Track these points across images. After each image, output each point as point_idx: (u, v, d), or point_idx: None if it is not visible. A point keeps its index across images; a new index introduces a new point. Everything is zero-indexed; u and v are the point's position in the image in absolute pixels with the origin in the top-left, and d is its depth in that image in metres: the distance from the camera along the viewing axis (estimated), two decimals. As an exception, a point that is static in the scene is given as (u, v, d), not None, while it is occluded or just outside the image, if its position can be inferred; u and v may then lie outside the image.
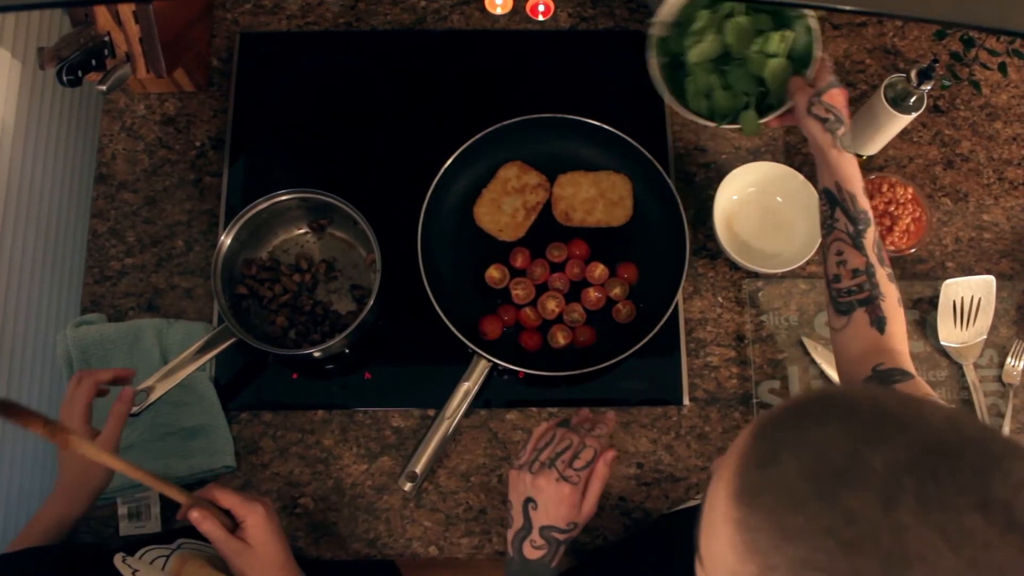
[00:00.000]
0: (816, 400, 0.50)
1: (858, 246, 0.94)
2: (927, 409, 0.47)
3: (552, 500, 0.89)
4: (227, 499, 0.91)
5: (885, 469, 0.43)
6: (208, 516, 0.88)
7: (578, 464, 0.90)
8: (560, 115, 1.21)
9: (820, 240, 1.17)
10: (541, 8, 1.34)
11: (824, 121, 0.96)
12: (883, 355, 0.89)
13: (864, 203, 0.95)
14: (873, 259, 0.93)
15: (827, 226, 0.98)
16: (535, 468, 0.91)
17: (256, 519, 0.90)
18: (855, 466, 0.44)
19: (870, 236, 0.94)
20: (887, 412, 0.47)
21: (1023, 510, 0.42)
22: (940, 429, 0.45)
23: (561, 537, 0.90)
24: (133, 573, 0.86)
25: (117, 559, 0.87)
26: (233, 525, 0.91)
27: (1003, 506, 0.42)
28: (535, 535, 0.90)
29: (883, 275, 0.93)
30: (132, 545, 0.92)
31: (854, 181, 0.95)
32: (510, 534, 0.92)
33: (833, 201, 0.96)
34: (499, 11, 1.34)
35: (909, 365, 0.89)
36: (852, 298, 0.94)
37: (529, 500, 0.90)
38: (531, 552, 0.90)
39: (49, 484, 0.99)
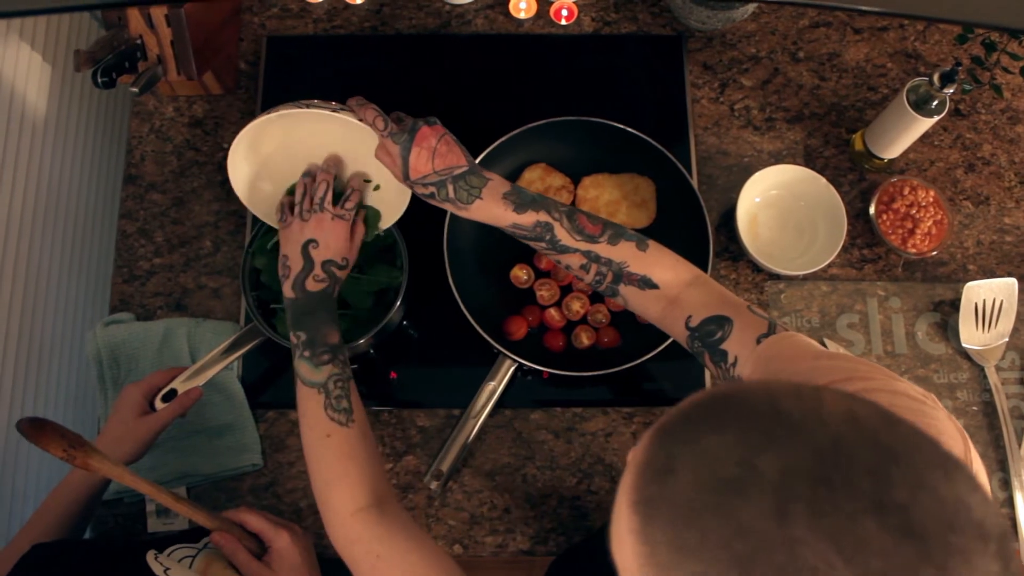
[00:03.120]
0: (712, 403, 0.48)
1: (561, 249, 0.91)
2: (825, 407, 0.45)
3: (331, 236, 0.96)
4: (255, 523, 0.92)
5: (778, 477, 0.42)
6: (231, 540, 0.91)
7: (348, 205, 0.98)
8: (584, 118, 1.22)
9: (842, 242, 1.19)
10: (565, 12, 1.36)
11: (430, 195, 0.92)
12: (679, 305, 0.87)
13: (523, 218, 0.90)
14: (583, 247, 0.90)
15: (536, 251, 0.97)
16: (306, 215, 0.96)
17: (281, 543, 0.91)
18: (748, 475, 0.42)
19: (561, 232, 0.90)
20: (782, 414, 0.45)
21: (920, 514, 0.40)
22: (836, 429, 0.43)
23: (338, 272, 0.96)
24: (165, 571, 0.87)
25: (150, 556, 0.88)
26: (260, 549, 0.93)
27: (899, 510, 0.40)
28: (317, 270, 0.95)
29: (605, 247, 0.89)
30: (160, 542, 0.93)
31: (502, 216, 0.91)
32: (288, 281, 0.95)
33: (515, 236, 0.93)
34: (523, 15, 1.36)
35: (707, 294, 0.86)
36: (606, 283, 0.91)
37: (309, 242, 0.95)
38: (314, 286, 0.95)
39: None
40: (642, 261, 0.89)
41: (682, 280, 0.89)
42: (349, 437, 0.89)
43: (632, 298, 0.91)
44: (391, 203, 1.07)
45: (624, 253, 0.90)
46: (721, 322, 0.83)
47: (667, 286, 0.89)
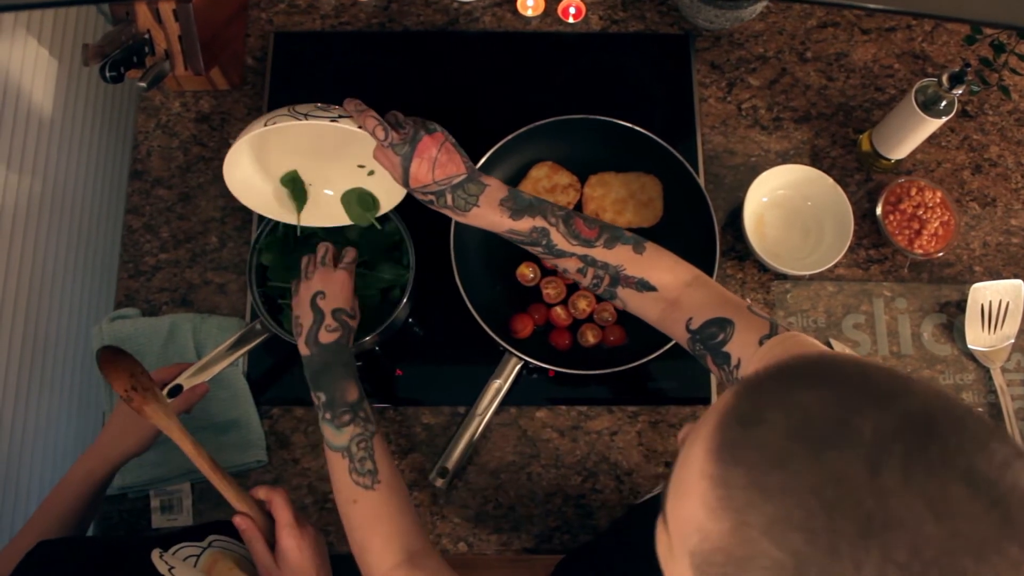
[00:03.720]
0: (803, 364, 0.49)
1: (558, 253, 0.92)
2: (915, 384, 0.46)
3: (336, 286, 0.98)
4: (278, 508, 0.91)
5: (874, 434, 0.43)
6: (251, 528, 0.90)
7: (347, 259, 1.01)
8: (591, 116, 1.22)
9: (848, 242, 1.19)
10: (572, 10, 1.35)
11: (430, 202, 0.95)
12: (679, 307, 0.87)
13: (519, 224, 0.92)
14: (580, 251, 0.91)
15: (534, 254, 0.96)
16: (310, 274, 0.99)
17: (287, 543, 0.89)
18: (843, 429, 0.43)
19: (557, 237, 0.91)
20: (874, 381, 0.46)
21: (1007, 489, 0.41)
22: (929, 403, 0.45)
23: (350, 322, 0.98)
24: (170, 570, 0.87)
25: (154, 555, 0.88)
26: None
27: (988, 482, 0.41)
28: (328, 319, 0.96)
29: (601, 251, 0.91)
30: (164, 539, 0.93)
31: (498, 222, 0.93)
32: (302, 338, 0.96)
33: (512, 242, 0.95)
34: (531, 13, 1.35)
35: (707, 295, 0.86)
36: (603, 287, 0.92)
37: (316, 294, 0.97)
38: (327, 337, 0.95)
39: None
40: (639, 264, 0.90)
41: (681, 281, 0.89)
42: (375, 500, 0.90)
43: (630, 301, 0.92)
44: (389, 188, 1.07)
45: (620, 256, 0.90)
46: (722, 324, 0.83)
47: (665, 288, 0.89)
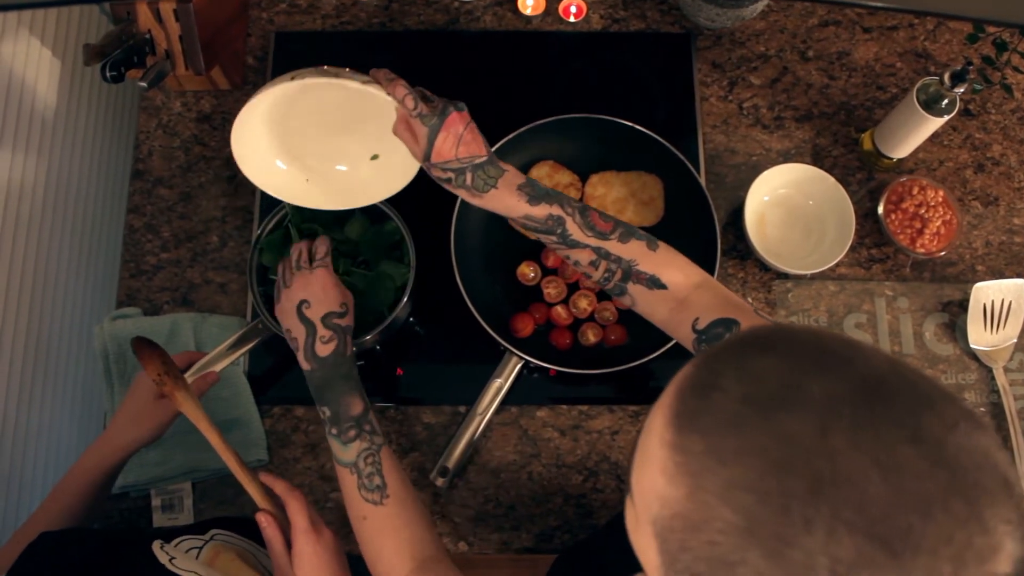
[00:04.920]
0: (757, 334, 0.50)
1: (572, 244, 0.90)
2: (867, 349, 0.48)
3: (318, 287, 0.95)
4: (295, 512, 0.89)
5: (823, 397, 0.44)
6: (272, 525, 0.89)
7: (320, 254, 0.98)
8: (592, 115, 1.22)
9: (850, 242, 1.19)
10: (573, 9, 1.35)
11: (448, 180, 0.91)
12: (688, 306, 0.87)
13: (536, 210, 0.90)
14: (594, 242, 0.89)
15: (545, 245, 0.94)
16: (288, 280, 0.97)
17: (301, 546, 0.87)
18: (794, 392, 0.44)
19: (572, 227, 0.89)
20: (828, 348, 0.47)
21: (954, 449, 0.42)
22: (879, 367, 0.46)
23: (341, 322, 0.95)
24: (170, 560, 0.87)
25: (155, 545, 0.88)
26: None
27: (935, 442, 0.42)
28: (321, 330, 0.93)
29: (615, 244, 0.89)
30: (167, 532, 0.93)
31: (515, 206, 0.90)
32: (300, 353, 0.94)
33: (527, 227, 0.93)
34: (531, 12, 1.35)
35: (715, 296, 0.86)
36: (614, 281, 0.91)
37: (301, 303, 0.95)
38: (323, 349, 0.93)
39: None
40: (652, 260, 0.89)
41: (691, 282, 0.89)
42: (385, 515, 0.89)
43: (640, 297, 0.91)
44: (392, 175, 1.02)
45: (634, 251, 0.90)
46: (728, 324, 0.83)
47: (675, 287, 0.89)
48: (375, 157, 1.04)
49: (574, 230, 0.90)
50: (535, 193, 0.90)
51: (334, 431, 0.92)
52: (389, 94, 0.89)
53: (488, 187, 0.90)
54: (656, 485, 0.48)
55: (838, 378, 0.45)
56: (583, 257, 0.91)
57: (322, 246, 0.99)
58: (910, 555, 0.40)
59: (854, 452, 0.42)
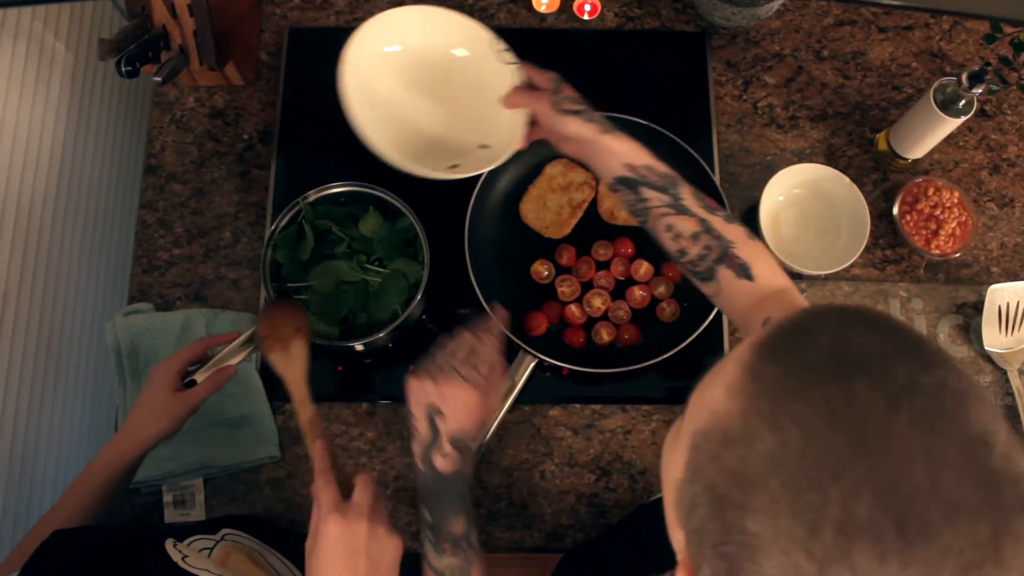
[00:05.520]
0: (869, 312, 0.51)
1: (682, 210, 0.88)
2: (959, 366, 0.48)
3: (459, 407, 0.83)
4: (358, 490, 0.81)
5: (906, 380, 0.44)
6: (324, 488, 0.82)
7: (483, 368, 0.84)
8: (606, 113, 1.20)
9: (865, 242, 1.18)
10: (588, 7, 1.35)
11: (579, 113, 0.91)
12: (765, 304, 0.86)
13: (661, 167, 0.89)
14: (703, 213, 0.88)
15: (640, 211, 0.91)
16: (435, 374, 0.84)
17: (322, 526, 0.79)
18: (879, 366, 0.45)
19: (687, 193, 0.89)
20: (927, 348, 0.48)
21: (1006, 480, 0.43)
22: (965, 381, 0.46)
23: (472, 444, 0.85)
24: (183, 558, 0.87)
25: (168, 544, 0.88)
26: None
27: (992, 466, 0.43)
28: (445, 446, 0.83)
29: (720, 222, 0.88)
30: (178, 531, 0.93)
31: (640, 153, 0.90)
32: (417, 447, 0.84)
33: (633, 183, 0.90)
34: (545, 9, 1.35)
35: (796, 303, 0.85)
36: (707, 262, 0.88)
37: (434, 409, 0.83)
38: (442, 463, 0.83)
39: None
40: (748, 248, 0.88)
41: (775, 283, 0.87)
42: None
43: (726, 284, 0.88)
44: (500, 147, 0.98)
45: (735, 234, 0.88)
46: None
47: (761, 282, 0.87)
48: (484, 147, 1.00)
49: (687, 195, 0.88)
50: (654, 153, 0.91)
51: (431, 537, 0.84)
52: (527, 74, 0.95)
53: (613, 128, 0.90)
54: (714, 398, 0.49)
55: (926, 372, 0.45)
56: (687, 227, 0.88)
57: (487, 355, 0.86)
58: (920, 545, 0.40)
59: (911, 435, 0.42)
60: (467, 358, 0.85)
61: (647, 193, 0.89)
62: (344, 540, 0.78)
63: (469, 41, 0.98)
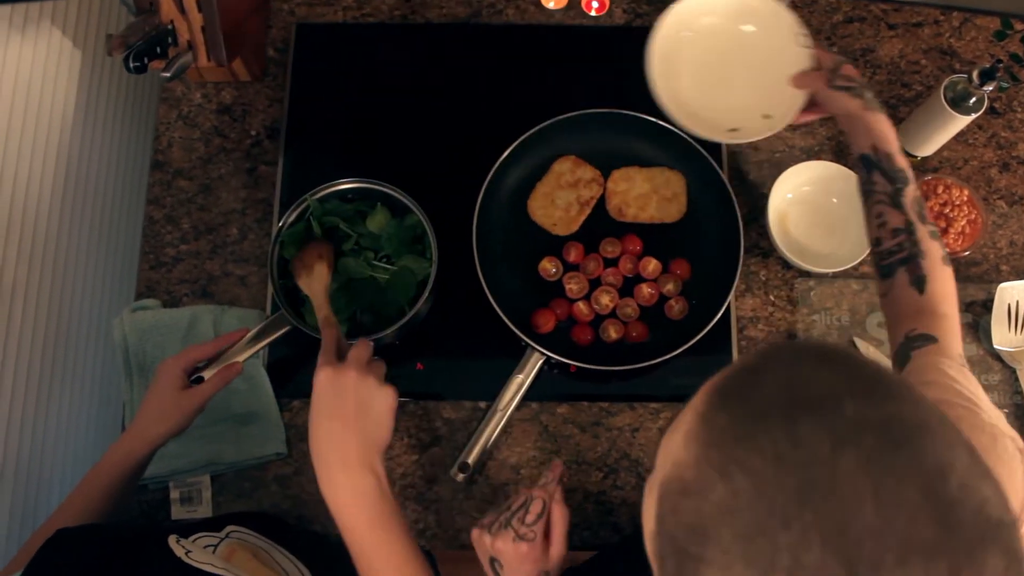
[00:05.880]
0: (824, 345, 0.52)
1: (897, 204, 0.92)
2: (917, 395, 0.48)
3: (514, 560, 0.86)
4: (323, 352, 0.90)
5: (854, 417, 0.44)
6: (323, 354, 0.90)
7: (529, 519, 0.87)
8: (615, 110, 1.21)
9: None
10: (596, 4, 1.34)
11: (849, 89, 0.97)
12: (920, 318, 0.88)
13: (901, 161, 0.94)
14: (913, 216, 0.92)
15: (865, 192, 0.96)
16: (493, 529, 0.88)
17: (317, 379, 0.87)
18: (827, 405, 0.45)
19: (910, 194, 0.93)
20: (883, 380, 0.48)
21: (964, 517, 0.42)
22: (921, 415, 0.46)
23: None
24: (186, 553, 0.86)
25: (171, 539, 0.88)
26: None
27: (948, 502, 0.42)
28: None
29: (924, 233, 0.91)
30: (184, 529, 0.93)
31: (890, 140, 0.94)
32: None
33: (870, 165, 0.95)
34: (554, 6, 1.34)
35: (944, 328, 0.86)
36: (894, 259, 0.92)
37: (493, 560, 0.88)
38: None
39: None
40: (935, 266, 0.90)
41: (940, 309, 0.89)
42: None
43: (897, 286, 0.91)
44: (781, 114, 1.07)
45: (931, 249, 0.91)
46: (927, 340, 0.85)
47: (928, 298, 0.89)
48: (768, 116, 1.08)
49: (908, 196, 0.93)
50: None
51: None
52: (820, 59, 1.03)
53: (878, 108, 0.96)
54: (675, 446, 0.51)
55: (876, 407, 0.45)
56: (893, 221, 0.92)
57: (533, 512, 0.88)
58: None
59: (859, 475, 0.42)
60: (523, 515, 0.88)
61: (876, 178, 0.94)
62: (333, 384, 0.86)
63: (760, 18, 1.09)
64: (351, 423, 0.85)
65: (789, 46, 1.05)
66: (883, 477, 0.42)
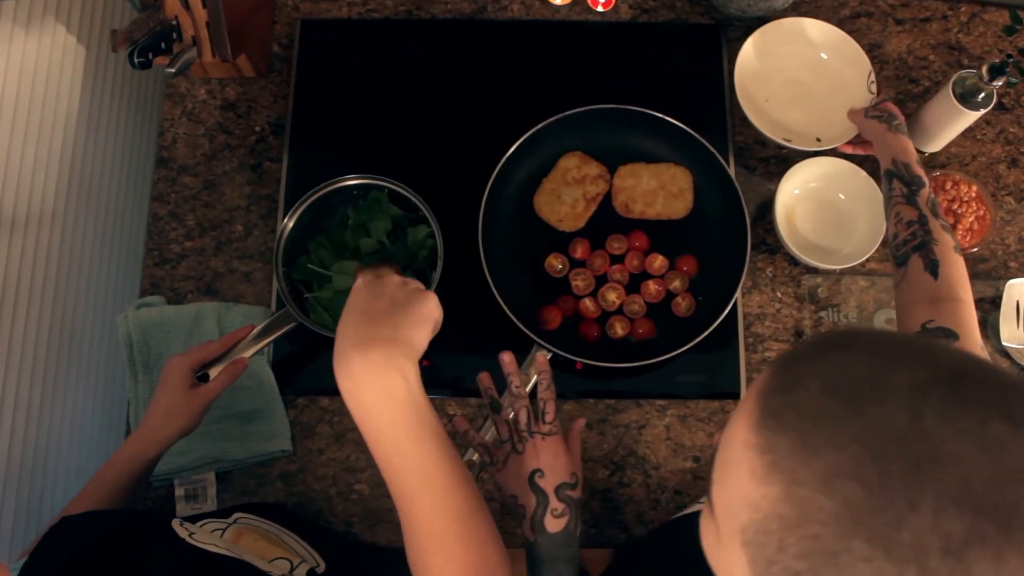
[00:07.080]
0: (835, 335, 0.51)
1: (911, 202, 0.98)
2: (941, 344, 0.49)
3: (551, 456, 0.88)
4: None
5: (909, 385, 0.44)
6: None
7: (549, 418, 0.91)
8: (621, 106, 1.20)
9: (881, 237, 1.17)
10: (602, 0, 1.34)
11: (879, 117, 1.09)
12: (936, 307, 0.89)
13: (918, 170, 1.00)
14: (926, 211, 0.97)
15: (887, 199, 1.03)
16: (518, 447, 0.90)
17: (356, 286, 0.80)
18: (879, 384, 0.45)
19: (923, 194, 0.98)
20: (905, 344, 0.48)
21: None
22: (957, 357, 0.47)
23: (574, 495, 0.88)
24: (190, 535, 0.86)
25: (175, 522, 0.87)
26: None
27: None
28: (554, 502, 0.87)
29: (936, 224, 0.96)
30: (190, 518, 0.92)
31: (909, 153, 1.03)
32: (527, 522, 0.88)
33: (890, 175, 1.02)
34: (559, 1, 1.34)
35: (963, 317, 0.88)
36: (908, 247, 0.96)
37: (533, 472, 0.88)
38: (553, 524, 0.86)
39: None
40: (947, 253, 0.93)
41: (955, 294, 0.91)
42: None
43: (911, 272, 0.94)
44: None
45: (942, 238, 0.95)
46: (949, 335, 0.86)
47: (943, 286, 0.91)
48: (818, 140, 1.23)
49: (922, 196, 0.98)
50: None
51: None
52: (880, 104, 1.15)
53: (902, 133, 1.06)
54: (744, 490, 0.48)
55: (921, 368, 0.45)
56: (907, 215, 0.98)
57: (550, 410, 0.91)
58: (1019, 528, 0.40)
59: (950, 431, 0.42)
60: (530, 420, 0.91)
61: (895, 184, 1.01)
62: (369, 286, 0.78)
63: (838, 51, 1.26)
64: (381, 319, 0.75)
65: (860, 85, 1.22)
66: (967, 423, 0.42)
